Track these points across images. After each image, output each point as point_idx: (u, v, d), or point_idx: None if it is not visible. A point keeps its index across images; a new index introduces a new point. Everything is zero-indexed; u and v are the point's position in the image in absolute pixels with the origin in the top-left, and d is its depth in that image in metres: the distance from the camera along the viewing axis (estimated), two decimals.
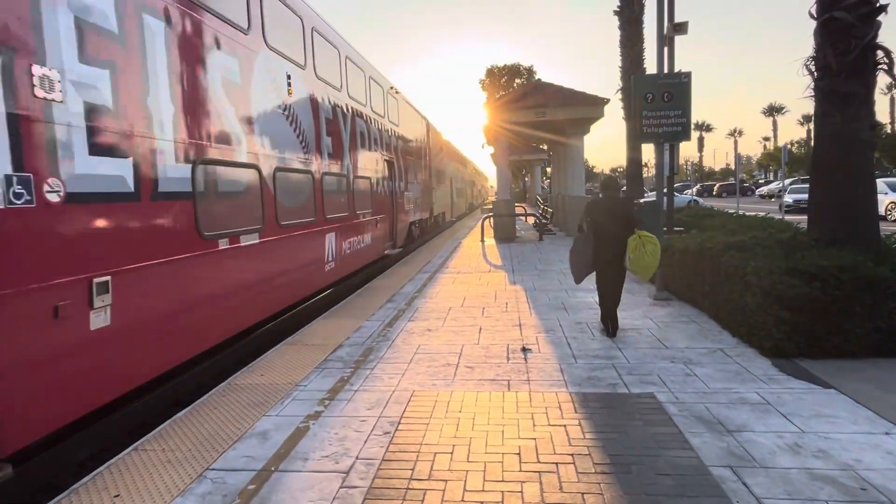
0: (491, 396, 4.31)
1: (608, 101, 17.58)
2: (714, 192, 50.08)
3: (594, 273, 6.19)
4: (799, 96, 9.33)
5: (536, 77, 54.25)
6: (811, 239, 5.91)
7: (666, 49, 8.37)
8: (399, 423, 3.87)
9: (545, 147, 33.78)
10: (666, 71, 8.09)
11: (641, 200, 7.94)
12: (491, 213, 18.84)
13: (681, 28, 9.21)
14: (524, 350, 5.53)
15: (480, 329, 6.41)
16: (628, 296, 7.89)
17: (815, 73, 5.94)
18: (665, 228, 8.63)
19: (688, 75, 7.54)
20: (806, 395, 4.13)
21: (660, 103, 7.55)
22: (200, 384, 5.92)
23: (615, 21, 16.35)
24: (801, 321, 4.90)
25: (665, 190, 8.40)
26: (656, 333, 5.97)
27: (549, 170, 48.91)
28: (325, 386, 4.69)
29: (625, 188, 16.62)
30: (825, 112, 5.80)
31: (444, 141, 26.13)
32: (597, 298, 6.39)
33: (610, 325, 6.00)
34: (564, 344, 5.69)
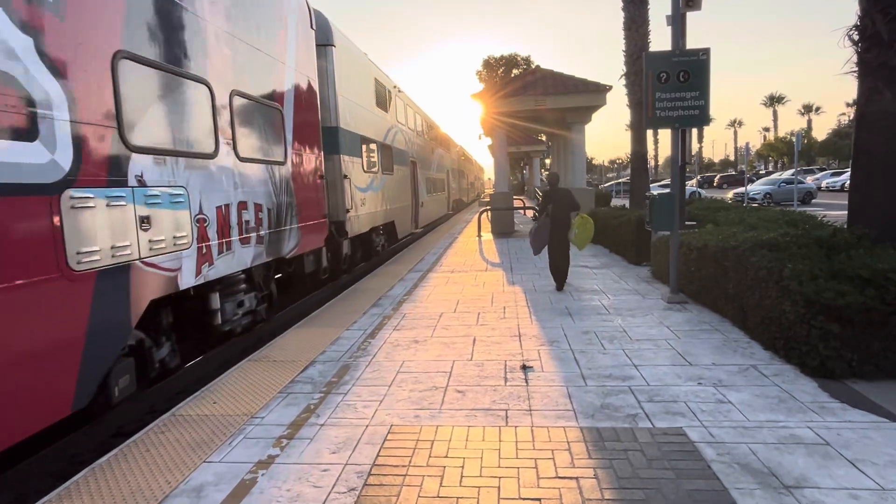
0: (485, 433, 3.54)
1: (610, 87, 16.74)
2: (714, 184, 49.32)
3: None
4: (824, 78, 8.51)
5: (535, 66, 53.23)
6: (854, 236, 5.13)
7: (674, 28, 7.54)
8: (369, 474, 3.09)
9: (544, 138, 32.96)
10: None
11: (655, 193, 7.12)
12: (488, 207, 18.02)
13: (694, 3, 8.36)
14: (525, 368, 4.75)
15: (474, 340, 5.62)
16: (639, 298, 7.13)
17: (860, 44, 5.13)
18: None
19: (706, 52, 6.72)
20: (873, 433, 3.36)
21: (675, 84, 6.74)
22: (154, 408, 5.15)
23: (617, 5, 15.48)
24: (854, 335, 4.13)
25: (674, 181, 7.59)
26: (676, 346, 5.20)
27: (548, 161, 48.08)
28: (285, 418, 3.90)
29: (624, 180, 15.78)
30: (872, 88, 5.01)
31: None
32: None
33: (558, 282, 8.18)
34: (571, 360, 4.91)
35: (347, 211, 9.80)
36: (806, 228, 5.91)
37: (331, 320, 6.76)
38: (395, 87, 14.84)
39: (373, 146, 12.03)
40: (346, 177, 9.77)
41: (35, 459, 4.05)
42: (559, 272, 8.11)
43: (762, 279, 5.00)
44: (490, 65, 56.51)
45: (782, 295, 4.62)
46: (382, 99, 13.32)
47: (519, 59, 56.00)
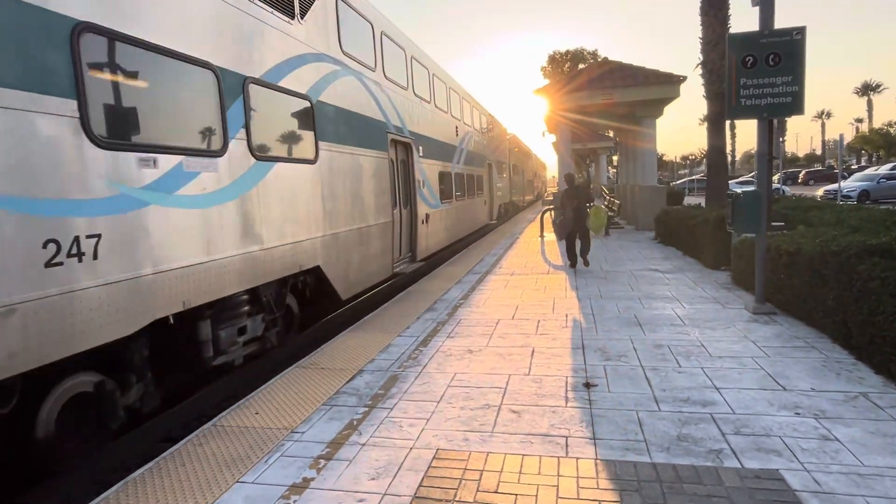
0: (541, 465, 3.13)
1: (685, 78, 15.71)
2: (800, 180, 45.80)
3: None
4: None
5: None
6: None
7: (763, 6, 6.73)
8: None
9: (611, 134, 31.72)
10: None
11: (738, 191, 6.40)
12: (551, 207, 17.39)
13: None
14: (588, 386, 4.29)
15: (533, 352, 5.20)
16: (718, 308, 6.44)
17: None
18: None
19: (801, 31, 5.94)
20: None
21: (763, 68, 6.00)
22: (203, 413, 5.09)
23: None
24: None
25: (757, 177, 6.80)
26: (765, 365, 4.55)
27: (615, 158, 46.49)
28: (326, 435, 3.65)
29: (698, 177, 14.70)
30: None
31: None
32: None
33: (574, 260, 9.93)
34: (641, 378, 4.39)
35: None
36: None
37: (384, 325, 6.52)
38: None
39: None
40: None
41: (85, 463, 4.01)
42: (581, 250, 10.01)
43: (873, 291, 4.27)
44: (555, 60, 55.27)
45: None
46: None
47: (585, 53, 54.46)
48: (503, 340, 5.62)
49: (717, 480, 2.88)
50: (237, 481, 3.11)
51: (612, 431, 3.49)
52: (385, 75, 9.38)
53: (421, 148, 11.26)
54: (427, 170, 11.74)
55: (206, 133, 4.90)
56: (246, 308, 5.59)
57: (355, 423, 3.82)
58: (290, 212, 6.11)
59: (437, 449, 3.38)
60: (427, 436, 3.56)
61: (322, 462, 3.28)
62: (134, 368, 4.38)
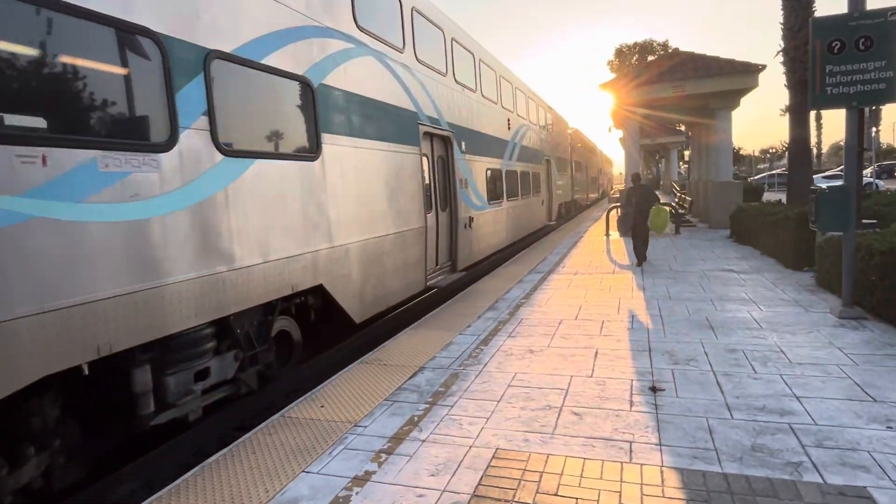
0: (604, 469, 3.05)
1: (763, 67, 14.81)
2: None
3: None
4: None
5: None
6: None
7: None
8: None
9: (683, 128, 30.44)
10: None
11: (824, 186, 5.97)
12: (617, 204, 16.89)
13: None
14: (654, 390, 4.14)
15: (596, 353, 5.08)
16: (800, 311, 6.04)
17: None
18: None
19: None
20: None
21: (852, 53, 5.56)
22: (273, 404, 5.32)
23: None
24: None
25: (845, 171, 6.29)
26: (852, 374, 4.22)
27: (686, 153, 44.52)
28: (388, 430, 3.73)
29: (778, 171, 13.78)
30: None
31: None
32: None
33: (639, 259, 10.05)
34: (713, 384, 4.19)
35: None
36: None
37: (444, 322, 6.57)
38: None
39: None
40: None
41: (166, 448, 4.30)
42: (639, 250, 10.08)
43: None
44: (622, 53, 53.68)
45: None
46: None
47: (655, 44, 52.50)
48: (565, 341, 5.52)
49: (795, 495, 2.71)
50: (303, 471, 3.23)
51: (679, 438, 3.36)
52: (417, 58, 8.11)
53: (463, 142, 10.03)
54: (471, 167, 10.46)
55: (139, 121, 3.72)
56: (208, 345, 4.36)
57: (416, 419, 3.88)
58: (278, 221, 4.90)
59: (497, 448, 3.37)
60: (486, 435, 3.56)
61: (383, 456, 3.35)
62: (30, 436, 3.30)
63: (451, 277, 9.06)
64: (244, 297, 4.50)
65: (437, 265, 8.81)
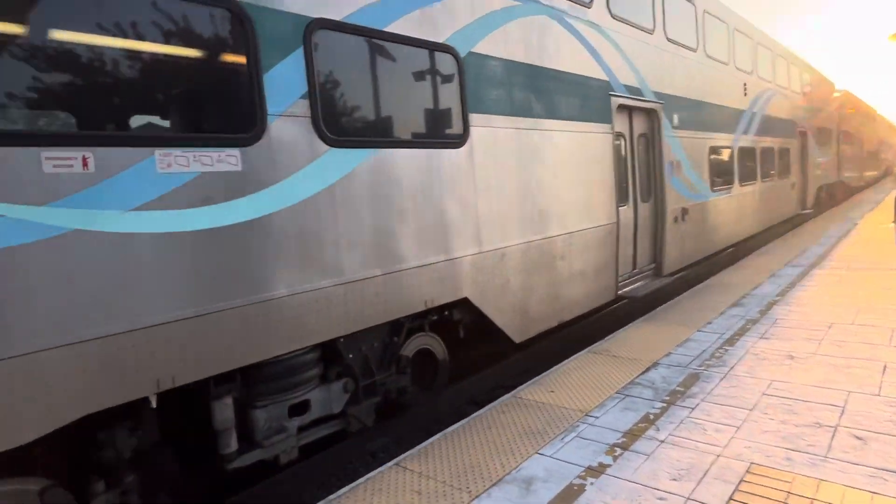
0: None
1: None
2: None
3: None
4: None
5: None
6: None
7: None
8: None
9: None
10: None
11: None
12: None
13: None
14: None
15: (885, 368, 4.14)
16: None
17: None
18: None
19: None
20: None
21: None
22: (500, 384, 5.57)
23: None
24: None
25: None
26: None
27: None
28: (621, 424, 3.59)
29: None
30: None
31: None
32: None
33: None
34: None
35: None
36: None
37: (678, 317, 6.06)
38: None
39: None
40: None
41: (409, 416, 4.78)
42: None
43: None
44: None
45: None
46: None
47: None
48: (839, 349, 4.62)
49: None
50: (537, 452, 3.30)
51: None
52: (610, 12, 6.50)
53: (676, 116, 8.04)
54: (686, 145, 8.35)
55: (212, 110, 3.17)
56: (308, 373, 3.72)
57: (652, 417, 3.65)
58: (406, 221, 4.07)
59: (751, 463, 2.98)
60: (737, 445, 3.18)
61: (618, 451, 3.24)
62: (100, 470, 2.99)
63: (654, 284, 7.27)
64: (356, 317, 3.74)
65: (633, 269, 7.29)
